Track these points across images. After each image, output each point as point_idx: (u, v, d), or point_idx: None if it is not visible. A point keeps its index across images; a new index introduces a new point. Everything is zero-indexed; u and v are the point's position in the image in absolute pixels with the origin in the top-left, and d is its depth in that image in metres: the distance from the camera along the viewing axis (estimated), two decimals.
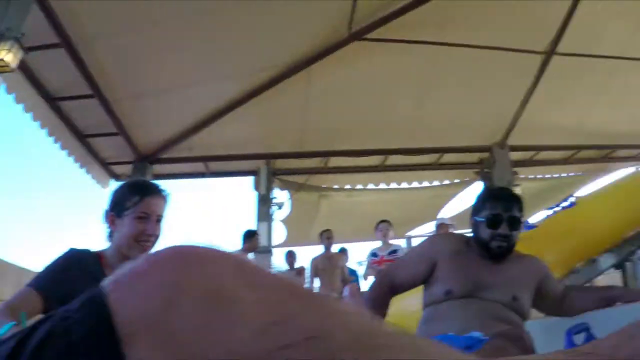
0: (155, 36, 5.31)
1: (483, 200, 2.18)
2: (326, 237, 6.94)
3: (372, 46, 6.26)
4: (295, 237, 9.03)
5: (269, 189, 8.15)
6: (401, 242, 7.73)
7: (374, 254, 6.58)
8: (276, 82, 6.55)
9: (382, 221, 6.57)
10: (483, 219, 2.11)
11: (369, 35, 6.15)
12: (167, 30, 5.26)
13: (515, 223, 2.10)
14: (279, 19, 5.62)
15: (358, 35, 6.13)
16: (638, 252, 4.58)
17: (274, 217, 8.17)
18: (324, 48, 6.25)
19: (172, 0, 4.86)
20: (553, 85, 6.82)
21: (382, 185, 8.82)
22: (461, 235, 2.40)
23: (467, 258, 2.15)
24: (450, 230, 6.51)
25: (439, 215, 8.74)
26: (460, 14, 5.96)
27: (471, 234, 2.21)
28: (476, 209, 2.19)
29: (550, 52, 6.45)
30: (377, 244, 6.65)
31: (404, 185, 8.85)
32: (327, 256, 6.95)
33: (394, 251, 6.39)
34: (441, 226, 6.92)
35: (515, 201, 2.14)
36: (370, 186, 8.84)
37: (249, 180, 8.37)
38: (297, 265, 7.73)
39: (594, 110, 7.47)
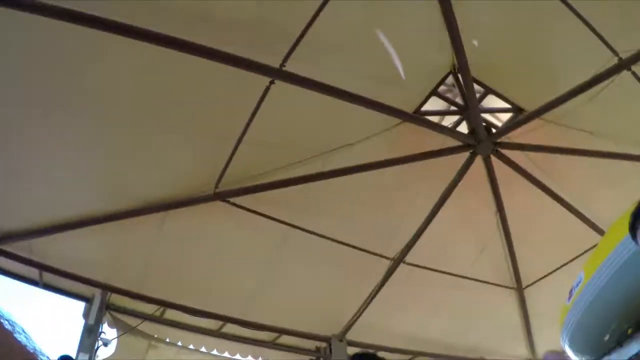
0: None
1: None
2: None
3: (233, 211, 6.27)
4: None
5: (99, 322, 7.51)
6: None
7: None
8: (133, 215, 6.24)
9: None
10: None
11: (232, 199, 6.20)
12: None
13: None
14: (159, 153, 5.62)
15: (222, 196, 6.15)
16: None
17: (97, 353, 7.46)
18: (187, 197, 6.16)
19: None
20: (397, 290, 7.09)
21: (215, 352, 8.39)
22: None
23: None
24: None
25: None
26: (324, 205, 6.24)
27: None
28: None
29: (398, 260, 6.77)
30: None
31: (238, 357, 8.48)
32: None
33: None
34: None
35: None
36: (203, 349, 8.40)
37: (81, 305, 7.66)
38: None
39: (433, 320, 7.76)
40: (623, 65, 5.42)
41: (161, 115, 5.34)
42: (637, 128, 6.64)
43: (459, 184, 6.68)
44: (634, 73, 5.58)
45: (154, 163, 5.80)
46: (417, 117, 6.05)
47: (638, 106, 6.13)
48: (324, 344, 8.09)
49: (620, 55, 5.38)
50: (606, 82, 5.60)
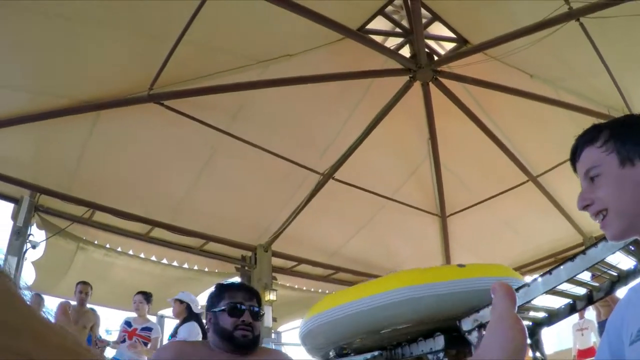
0: None
1: (220, 291, 2.10)
2: (82, 291, 6.21)
3: (167, 113, 6.15)
4: (44, 284, 8.13)
5: (27, 224, 7.37)
6: (153, 319, 7.32)
7: (127, 323, 5.93)
8: (64, 114, 5.99)
9: (139, 292, 6.07)
10: (224, 308, 2.03)
11: (166, 102, 6.07)
12: None
13: (256, 315, 2.05)
14: (92, 49, 5.35)
15: (156, 98, 5.98)
16: None
17: (26, 255, 7.36)
18: (120, 97, 5.97)
19: None
20: (324, 206, 7.25)
21: (142, 255, 8.44)
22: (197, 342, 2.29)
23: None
24: None
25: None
26: (259, 114, 6.21)
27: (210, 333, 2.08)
28: (213, 301, 2.09)
29: (328, 176, 6.87)
30: (129, 314, 6.12)
31: (164, 261, 8.56)
32: (78, 311, 6.17)
33: (148, 329, 5.88)
34: None
35: (255, 295, 2.12)
36: (130, 252, 8.42)
37: (9, 207, 7.48)
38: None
39: (356, 238, 8.04)
40: (572, 14, 5.49)
41: (96, 9, 5.06)
42: (574, 77, 6.81)
43: (396, 107, 6.75)
44: (581, 24, 5.66)
45: (87, 60, 5.53)
46: (359, 35, 5.98)
47: (579, 56, 6.25)
48: (249, 253, 8.23)
49: (571, 4, 5.45)
50: (553, 28, 5.68)
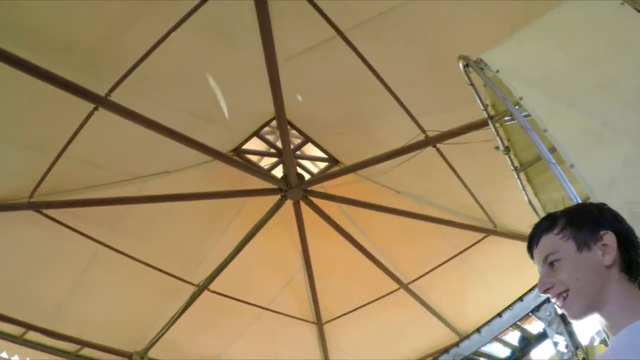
0: None
1: None
2: None
3: (46, 222, 6.38)
4: None
5: None
6: None
7: None
8: None
9: None
10: None
11: (46, 211, 6.31)
12: None
13: None
14: None
15: (36, 206, 6.22)
16: None
17: None
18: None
19: None
20: (201, 315, 7.50)
21: (16, 358, 8.24)
22: None
23: None
24: None
25: None
26: (137, 227, 6.56)
27: None
28: None
29: (203, 287, 7.22)
30: None
31: None
32: None
33: None
34: None
35: None
36: (4, 355, 8.20)
37: None
38: None
39: (234, 346, 8.25)
40: (429, 142, 6.30)
41: None
42: (436, 193, 7.60)
43: (271, 221, 7.26)
44: (438, 150, 6.48)
45: None
46: (228, 157, 6.60)
47: (440, 175, 7.04)
48: None
49: (427, 133, 6.25)
50: (413, 153, 6.46)
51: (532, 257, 1.62)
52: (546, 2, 3.70)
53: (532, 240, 1.60)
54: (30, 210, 6.26)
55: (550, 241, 1.54)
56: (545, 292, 1.49)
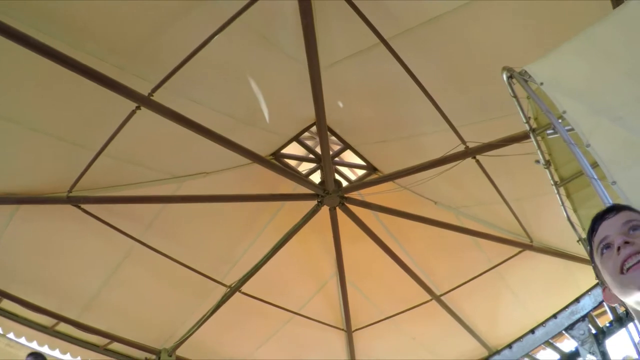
0: None
1: None
2: None
3: (84, 217, 6.43)
4: None
5: None
6: None
7: None
8: None
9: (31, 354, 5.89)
10: None
11: (84, 206, 6.36)
12: None
13: None
14: (18, 148, 5.66)
15: (74, 200, 6.27)
16: None
17: None
18: (39, 196, 6.22)
19: None
20: (231, 316, 7.49)
21: (46, 349, 8.34)
22: None
23: None
24: None
25: None
26: (173, 225, 6.60)
27: None
28: None
29: (235, 289, 7.19)
30: None
31: (68, 356, 8.46)
32: None
33: None
34: None
35: None
36: (34, 344, 8.32)
37: None
38: None
39: (263, 349, 8.22)
40: (469, 153, 6.17)
41: (27, 112, 5.40)
42: (473, 205, 7.47)
43: (307, 226, 7.20)
44: (477, 161, 6.34)
45: (11, 156, 5.82)
46: (267, 161, 6.54)
47: (478, 187, 6.91)
48: (153, 356, 8.24)
49: (467, 144, 6.13)
50: (453, 163, 6.35)
51: (596, 228, 1.70)
52: (593, 14, 3.64)
53: (612, 209, 1.70)
54: (69, 205, 6.31)
55: (631, 213, 1.66)
56: (625, 243, 1.55)
